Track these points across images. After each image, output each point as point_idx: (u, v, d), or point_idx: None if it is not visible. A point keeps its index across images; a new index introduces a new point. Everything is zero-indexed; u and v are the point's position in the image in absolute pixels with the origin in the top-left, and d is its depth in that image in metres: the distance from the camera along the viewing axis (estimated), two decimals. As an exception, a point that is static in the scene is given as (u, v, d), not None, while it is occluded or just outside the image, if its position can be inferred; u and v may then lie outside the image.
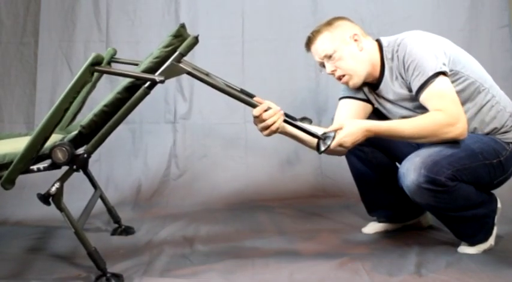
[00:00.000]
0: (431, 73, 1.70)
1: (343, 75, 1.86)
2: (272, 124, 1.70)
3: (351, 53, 1.83)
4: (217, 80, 1.77)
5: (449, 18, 2.80)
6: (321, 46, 1.85)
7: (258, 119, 1.71)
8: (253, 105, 1.71)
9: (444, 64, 1.72)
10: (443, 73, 1.71)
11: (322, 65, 1.89)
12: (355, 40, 1.84)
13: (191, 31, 2.77)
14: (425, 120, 1.69)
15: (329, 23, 1.87)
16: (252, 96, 1.78)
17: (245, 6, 2.92)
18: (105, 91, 2.71)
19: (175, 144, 2.92)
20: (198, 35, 1.68)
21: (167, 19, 2.92)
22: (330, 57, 1.84)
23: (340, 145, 1.69)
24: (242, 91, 1.78)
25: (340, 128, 1.69)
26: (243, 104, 1.75)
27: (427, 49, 1.74)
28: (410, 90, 1.78)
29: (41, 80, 2.89)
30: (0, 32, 2.89)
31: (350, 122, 1.72)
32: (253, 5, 2.92)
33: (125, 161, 2.88)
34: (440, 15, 2.82)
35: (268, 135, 1.74)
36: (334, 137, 1.68)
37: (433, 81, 1.70)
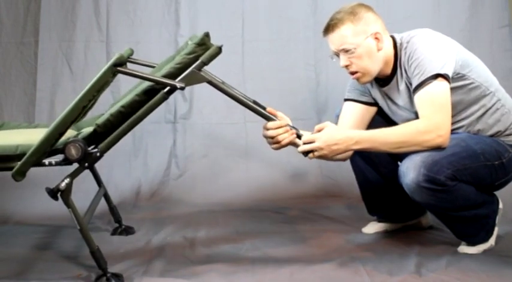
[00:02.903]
0: (430, 74, 1.69)
1: (356, 72, 1.82)
2: (283, 140, 1.72)
3: (370, 52, 1.78)
4: (234, 90, 1.79)
5: (449, 18, 2.80)
6: (340, 38, 1.78)
7: (269, 133, 1.72)
8: (268, 119, 1.73)
9: (446, 67, 1.70)
10: (444, 76, 1.69)
11: (336, 54, 1.84)
12: (376, 38, 1.78)
13: (191, 31, 2.82)
14: (407, 127, 1.68)
15: (353, 13, 1.77)
16: (263, 107, 1.79)
17: (245, 6, 2.92)
18: (106, 90, 2.71)
19: (175, 144, 2.92)
20: (221, 46, 1.69)
21: (167, 19, 2.92)
22: (347, 51, 1.78)
23: (311, 141, 1.67)
24: (255, 102, 1.79)
25: (322, 128, 1.69)
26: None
27: (433, 49, 1.73)
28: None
29: (41, 80, 2.88)
30: (0, 32, 2.89)
31: (332, 125, 1.72)
32: (253, 5, 2.92)
33: (125, 161, 2.88)
34: (440, 15, 2.81)
35: (277, 149, 1.75)
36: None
37: (429, 83, 1.69)
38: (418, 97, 1.71)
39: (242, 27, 2.92)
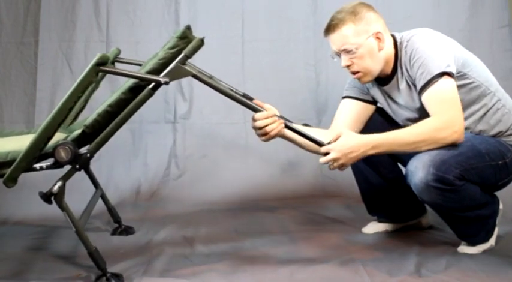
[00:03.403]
0: (435, 72, 1.68)
1: (358, 72, 1.81)
2: (271, 131, 1.72)
3: (371, 52, 1.78)
4: (221, 83, 1.78)
5: (449, 18, 2.80)
6: (342, 39, 1.77)
7: (257, 124, 1.72)
8: (256, 110, 1.72)
9: (450, 65, 1.70)
10: (448, 74, 1.69)
11: (337, 54, 1.83)
12: (377, 38, 1.78)
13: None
14: (421, 127, 1.68)
15: (354, 12, 1.76)
16: (251, 99, 1.78)
17: (245, 6, 2.92)
18: (105, 90, 2.71)
19: (175, 144, 2.92)
20: (203, 37, 1.68)
21: (167, 19, 2.92)
22: (348, 51, 1.78)
23: (328, 152, 1.68)
24: (244, 95, 1.79)
25: (338, 136, 1.69)
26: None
27: (435, 48, 1.72)
28: (415, 87, 1.78)
29: (41, 80, 2.89)
30: (0, 32, 2.89)
31: (347, 132, 1.72)
32: (253, 5, 2.92)
33: (125, 161, 2.88)
34: (440, 15, 2.82)
35: (266, 140, 1.76)
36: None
37: (436, 81, 1.68)
38: (426, 96, 1.71)
39: (242, 27, 2.92)
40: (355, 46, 1.77)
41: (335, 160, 1.68)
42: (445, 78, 1.69)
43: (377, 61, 1.80)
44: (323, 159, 1.70)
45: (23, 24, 2.90)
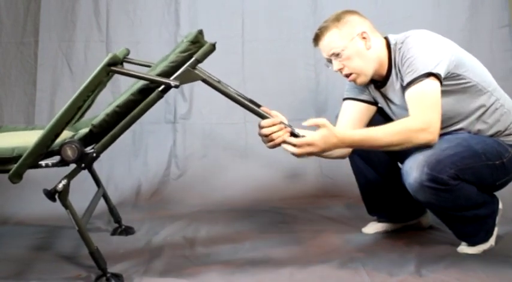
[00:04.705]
0: (421, 72, 1.69)
1: (351, 74, 1.84)
2: (277, 138, 1.71)
3: (359, 52, 1.80)
4: (229, 88, 1.79)
5: (449, 18, 2.80)
6: (328, 44, 1.82)
7: (263, 132, 1.72)
8: (263, 117, 1.72)
9: (439, 65, 1.70)
10: (435, 75, 1.69)
11: (330, 61, 1.87)
12: (364, 38, 1.80)
13: (191, 31, 2.82)
14: (396, 126, 1.68)
15: (337, 19, 1.83)
16: (258, 106, 1.79)
17: (245, 6, 2.92)
18: (105, 90, 2.71)
19: (175, 144, 2.92)
20: (215, 43, 1.68)
21: (167, 19, 2.92)
22: (337, 55, 1.82)
23: (312, 143, 1.64)
24: (251, 101, 1.79)
25: (319, 125, 1.66)
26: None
27: (426, 48, 1.73)
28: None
29: (41, 80, 2.89)
30: (0, 32, 2.89)
31: (329, 127, 1.66)
32: (253, 5, 2.92)
33: (125, 161, 2.88)
34: (440, 15, 2.82)
35: (272, 148, 1.74)
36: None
37: (420, 81, 1.69)
38: (408, 94, 1.72)
39: (242, 27, 2.92)
40: (341, 48, 1.80)
41: (310, 153, 1.66)
42: (431, 80, 1.69)
43: (367, 60, 1.82)
44: (293, 146, 1.66)
45: (23, 24, 2.90)
